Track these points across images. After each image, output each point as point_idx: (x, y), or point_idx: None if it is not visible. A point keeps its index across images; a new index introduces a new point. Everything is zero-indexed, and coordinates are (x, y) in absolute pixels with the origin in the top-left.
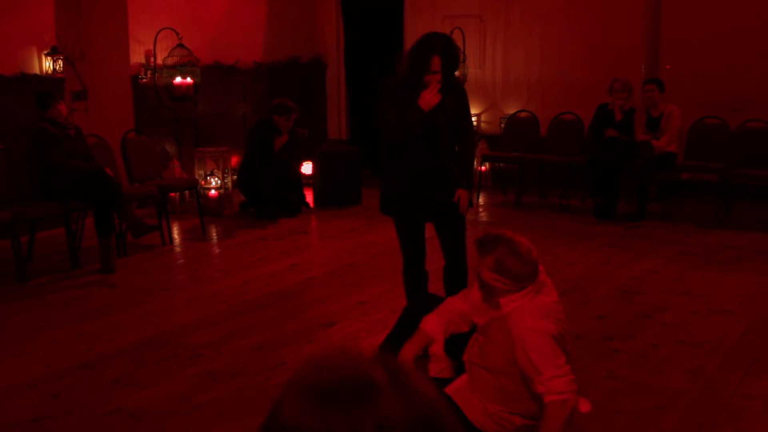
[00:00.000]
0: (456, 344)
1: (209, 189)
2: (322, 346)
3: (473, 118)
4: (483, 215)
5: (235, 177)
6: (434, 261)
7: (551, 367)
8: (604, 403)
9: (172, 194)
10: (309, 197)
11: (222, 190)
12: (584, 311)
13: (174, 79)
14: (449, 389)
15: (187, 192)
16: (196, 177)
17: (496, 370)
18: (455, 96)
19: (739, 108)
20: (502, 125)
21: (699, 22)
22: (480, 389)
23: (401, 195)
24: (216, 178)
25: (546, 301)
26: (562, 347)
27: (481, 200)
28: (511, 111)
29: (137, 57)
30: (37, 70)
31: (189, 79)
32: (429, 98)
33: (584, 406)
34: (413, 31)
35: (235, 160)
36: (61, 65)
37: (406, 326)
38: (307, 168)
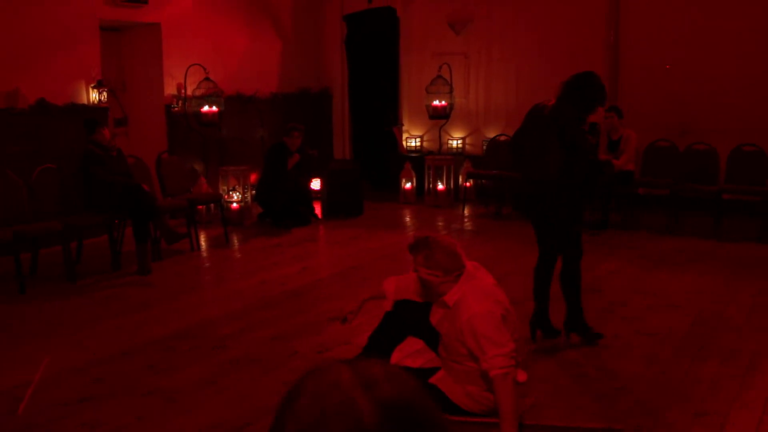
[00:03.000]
0: (436, 340)
1: (232, 202)
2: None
3: (459, 141)
4: (468, 225)
5: (254, 192)
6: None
7: (493, 346)
8: (571, 386)
9: (200, 207)
10: (318, 209)
11: (243, 203)
12: (554, 307)
13: (202, 107)
14: (435, 378)
15: (212, 205)
16: (221, 192)
17: (459, 356)
18: None
19: (686, 132)
20: (484, 147)
21: (652, 59)
22: (455, 376)
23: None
24: (237, 193)
25: (484, 283)
26: (507, 325)
27: (466, 212)
28: (492, 135)
29: (170, 89)
30: (85, 101)
31: (214, 108)
32: None
33: (521, 376)
34: (408, 65)
35: (254, 177)
36: (106, 96)
37: (387, 328)
38: (316, 184)
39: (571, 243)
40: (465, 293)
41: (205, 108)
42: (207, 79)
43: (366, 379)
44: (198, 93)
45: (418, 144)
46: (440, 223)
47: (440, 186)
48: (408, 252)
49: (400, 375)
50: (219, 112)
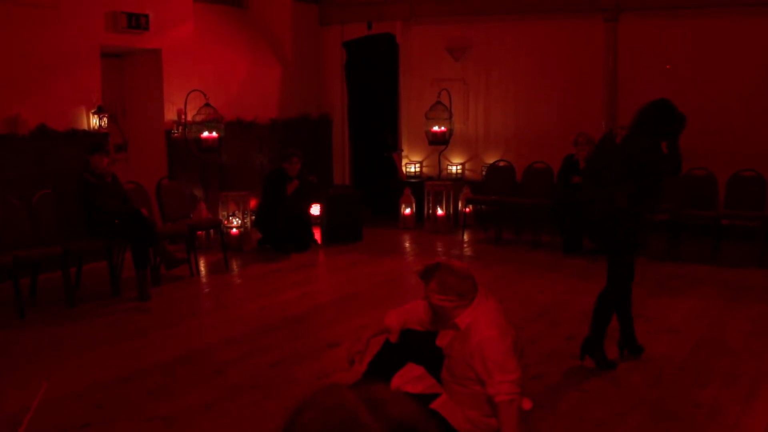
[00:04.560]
0: (437, 366)
1: (231, 228)
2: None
3: (458, 167)
4: (467, 250)
5: (254, 217)
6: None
7: (500, 372)
8: (571, 411)
9: (200, 232)
10: (317, 235)
11: (242, 229)
12: (554, 332)
13: (202, 133)
14: (436, 404)
15: (212, 230)
16: (220, 217)
17: (464, 380)
18: None
19: (685, 158)
20: (484, 172)
21: (650, 85)
22: (457, 401)
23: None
24: (237, 218)
25: (496, 308)
26: (515, 350)
27: (465, 237)
28: (491, 160)
29: (170, 115)
30: (85, 126)
31: (214, 134)
32: None
33: (526, 404)
34: (407, 91)
35: (253, 203)
36: (106, 122)
37: (388, 354)
38: (315, 209)
39: (623, 268)
40: (477, 317)
41: (205, 134)
42: (207, 104)
43: (370, 400)
44: (198, 119)
45: (418, 169)
46: (439, 249)
47: (440, 211)
48: (418, 278)
49: (403, 397)
50: (219, 138)
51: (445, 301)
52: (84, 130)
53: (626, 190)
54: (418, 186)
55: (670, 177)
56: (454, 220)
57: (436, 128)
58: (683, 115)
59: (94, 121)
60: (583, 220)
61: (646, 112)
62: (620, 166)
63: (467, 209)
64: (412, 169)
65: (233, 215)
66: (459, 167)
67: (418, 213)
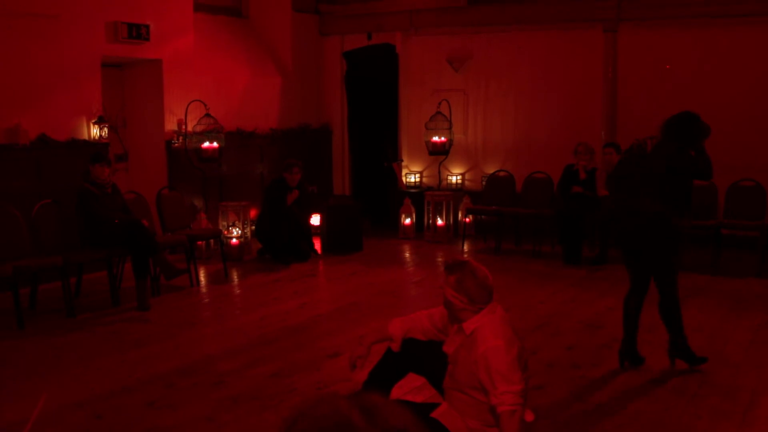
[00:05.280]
0: (438, 377)
1: (231, 238)
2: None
3: (458, 177)
4: None
5: (254, 227)
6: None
7: (504, 382)
8: (572, 422)
9: (199, 242)
10: (317, 245)
11: (242, 239)
12: (554, 342)
13: (202, 143)
14: (437, 413)
15: (212, 240)
16: (220, 227)
17: (467, 388)
18: None
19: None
20: (484, 183)
21: (649, 95)
22: (459, 409)
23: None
24: (237, 229)
25: (503, 319)
26: (520, 362)
27: (465, 247)
28: (491, 170)
29: (171, 125)
30: (86, 137)
31: (215, 144)
32: None
33: (529, 416)
34: (407, 101)
35: (253, 213)
36: (107, 132)
37: (389, 364)
38: (315, 219)
39: (671, 273)
40: (484, 324)
41: (206, 144)
42: (207, 115)
43: (364, 406)
44: (198, 129)
45: (418, 180)
46: (440, 259)
47: (440, 222)
48: (443, 270)
49: (396, 404)
50: (219, 148)
51: (456, 299)
52: (84, 140)
53: (661, 195)
54: (418, 196)
55: (702, 179)
56: (454, 230)
57: (436, 138)
58: (707, 125)
59: (95, 131)
60: (618, 229)
61: (673, 122)
62: (654, 171)
63: (467, 219)
64: (412, 179)
65: (233, 225)
66: (459, 177)
67: (418, 223)
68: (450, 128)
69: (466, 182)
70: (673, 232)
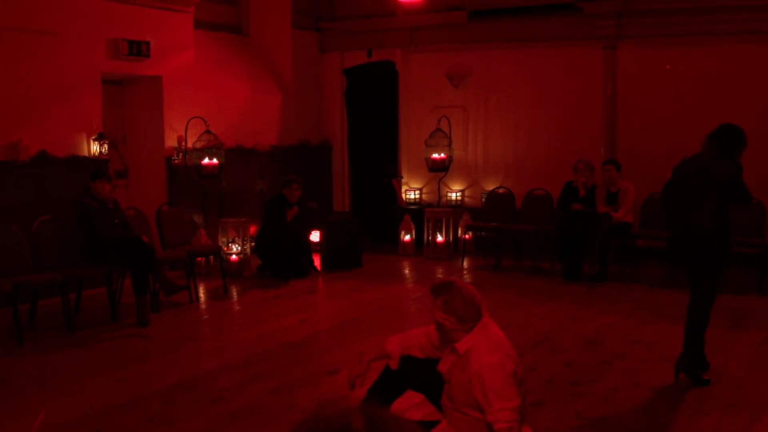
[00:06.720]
0: (437, 393)
1: (231, 254)
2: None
3: (458, 194)
4: (467, 277)
5: (254, 244)
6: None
7: (500, 400)
8: None
9: (199, 258)
10: (317, 261)
11: (242, 255)
12: (554, 359)
13: (202, 160)
14: (436, 431)
15: (211, 257)
16: (220, 243)
17: (463, 406)
18: None
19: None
20: (483, 199)
21: (648, 112)
22: (457, 427)
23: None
24: (237, 245)
25: (496, 335)
26: (515, 379)
27: (465, 264)
28: (490, 187)
29: (171, 141)
30: (86, 153)
31: (215, 160)
32: None
33: None
34: (407, 118)
35: (253, 229)
36: (107, 148)
37: (387, 381)
38: (315, 236)
39: (713, 285)
40: (477, 343)
41: (206, 160)
42: (207, 131)
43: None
44: (198, 145)
45: (418, 196)
46: (439, 276)
47: (439, 238)
48: (429, 293)
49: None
50: (219, 165)
51: (446, 320)
52: (84, 157)
53: (714, 210)
54: (417, 212)
55: (740, 204)
56: (454, 247)
57: (435, 155)
58: (745, 134)
59: (95, 148)
60: (673, 241)
61: (722, 136)
62: (706, 187)
63: (467, 236)
64: (412, 196)
65: (233, 241)
66: (459, 194)
67: (418, 239)
68: (450, 145)
69: (466, 199)
70: (725, 246)
